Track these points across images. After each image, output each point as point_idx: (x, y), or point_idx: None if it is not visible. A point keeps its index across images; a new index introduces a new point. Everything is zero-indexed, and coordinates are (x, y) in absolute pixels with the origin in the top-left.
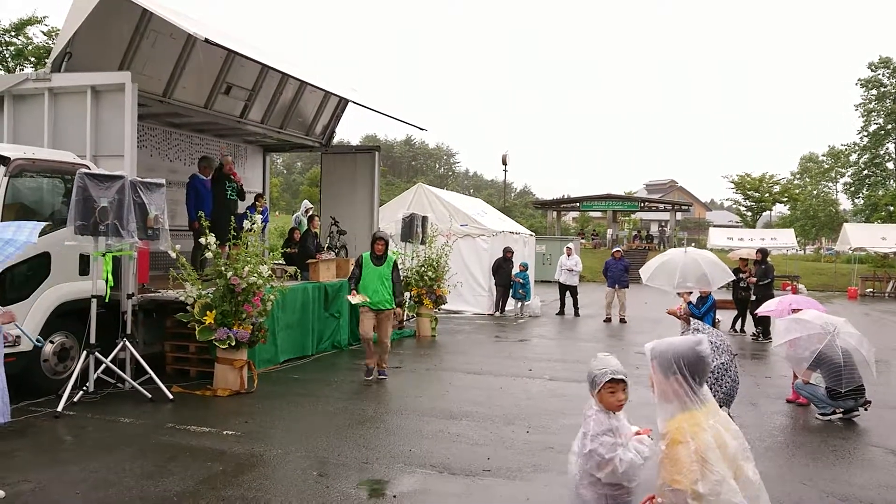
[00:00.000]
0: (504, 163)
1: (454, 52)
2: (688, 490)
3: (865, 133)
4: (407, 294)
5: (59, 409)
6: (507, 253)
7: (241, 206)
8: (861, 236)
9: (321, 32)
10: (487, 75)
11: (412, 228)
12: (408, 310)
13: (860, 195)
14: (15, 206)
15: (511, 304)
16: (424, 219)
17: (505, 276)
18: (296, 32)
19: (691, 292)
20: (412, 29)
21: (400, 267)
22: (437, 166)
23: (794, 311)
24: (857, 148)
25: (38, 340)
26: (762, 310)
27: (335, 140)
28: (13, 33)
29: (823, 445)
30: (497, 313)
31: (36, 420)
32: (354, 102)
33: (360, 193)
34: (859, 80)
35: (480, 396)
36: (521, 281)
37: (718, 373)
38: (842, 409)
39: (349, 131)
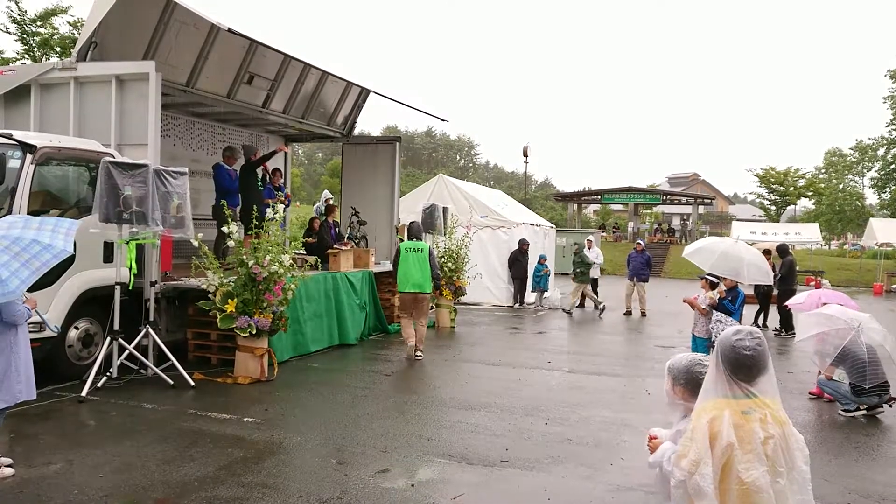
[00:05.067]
0: (525, 155)
1: (476, 42)
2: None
3: (894, 126)
4: None
5: (84, 394)
6: (523, 246)
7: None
8: (887, 231)
9: (343, 22)
10: (510, 66)
11: (433, 219)
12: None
13: (887, 190)
14: (41, 193)
15: (532, 296)
16: (445, 209)
17: (521, 269)
18: (316, 21)
19: (719, 283)
20: (434, 19)
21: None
22: (458, 158)
23: (824, 304)
24: (884, 142)
25: (55, 328)
26: (792, 303)
27: (356, 131)
28: (39, 23)
29: (846, 442)
30: (516, 305)
31: (61, 404)
32: (376, 93)
33: (380, 184)
34: (888, 71)
35: (499, 387)
36: (546, 272)
37: None
38: (865, 406)
39: (370, 122)
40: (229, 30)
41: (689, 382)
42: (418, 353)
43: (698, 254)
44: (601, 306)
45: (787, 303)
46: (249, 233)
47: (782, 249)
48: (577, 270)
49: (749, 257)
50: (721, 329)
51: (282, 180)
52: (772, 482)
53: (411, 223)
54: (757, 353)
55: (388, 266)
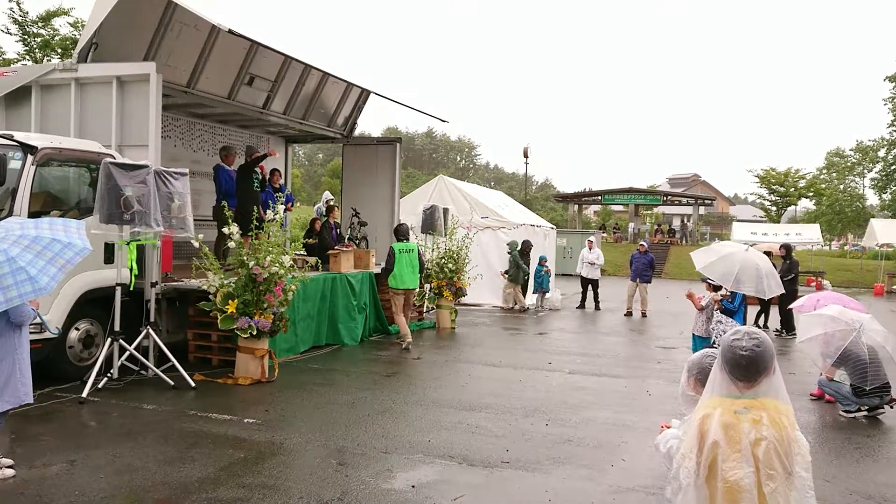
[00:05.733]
0: (525, 155)
1: (476, 43)
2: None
3: (894, 128)
4: (427, 286)
5: (84, 395)
6: (526, 247)
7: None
8: (888, 232)
9: (343, 22)
10: (510, 67)
11: (433, 220)
12: (427, 301)
13: (888, 190)
14: (42, 194)
15: (533, 297)
16: (445, 210)
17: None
18: (316, 21)
19: (720, 287)
20: (434, 19)
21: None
22: (459, 159)
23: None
24: (885, 143)
25: (55, 329)
26: (796, 305)
27: (356, 132)
28: (40, 24)
29: (847, 443)
30: (517, 306)
31: (61, 405)
32: (376, 93)
33: (381, 185)
34: (887, 77)
35: (500, 388)
36: (547, 270)
37: None
38: (866, 407)
39: (370, 123)
40: (230, 31)
41: (701, 373)
42: (408, 341)
43: (716, 269)
44: (525, 307)
45: (792, 305)
46: (248, 234)
47: (788, 248)
48: (511, 270)
49: (764, 268)
50: (721, 330)
51: (281, 181)
52: (760, 484)
53: (399, 225)
54: (754, 354)
55: None
